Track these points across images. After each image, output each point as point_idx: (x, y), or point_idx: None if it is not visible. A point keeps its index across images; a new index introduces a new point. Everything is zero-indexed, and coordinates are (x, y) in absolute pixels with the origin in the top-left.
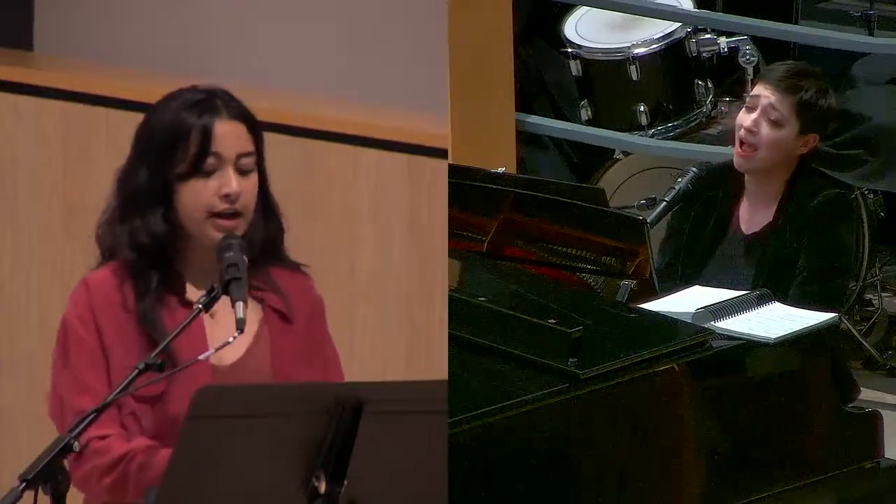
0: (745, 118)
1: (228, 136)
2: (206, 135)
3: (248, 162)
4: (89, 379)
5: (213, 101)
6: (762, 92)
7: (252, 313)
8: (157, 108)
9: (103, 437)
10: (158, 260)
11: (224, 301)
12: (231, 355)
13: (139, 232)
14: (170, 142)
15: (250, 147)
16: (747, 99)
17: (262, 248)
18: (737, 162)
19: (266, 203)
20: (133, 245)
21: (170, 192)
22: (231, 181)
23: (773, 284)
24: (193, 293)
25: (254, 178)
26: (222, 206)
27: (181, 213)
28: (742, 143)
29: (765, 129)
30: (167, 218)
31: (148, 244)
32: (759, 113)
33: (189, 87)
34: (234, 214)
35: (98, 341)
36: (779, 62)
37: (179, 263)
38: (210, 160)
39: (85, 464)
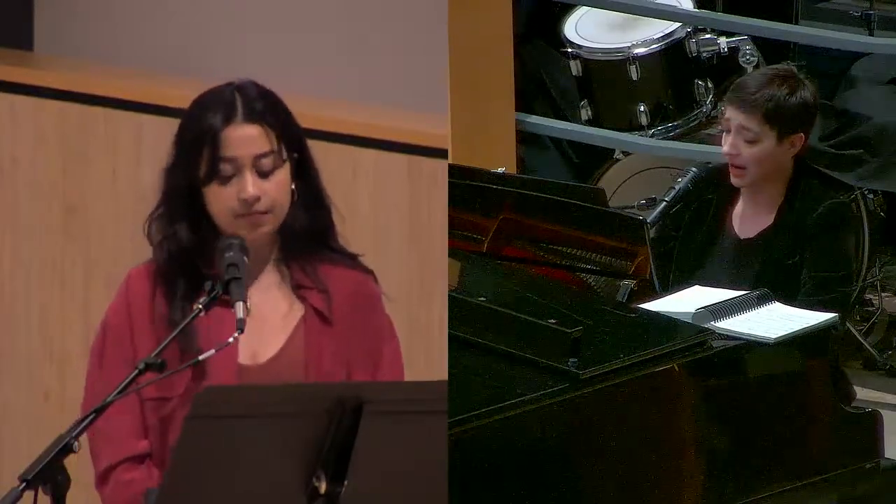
0: (724, 141)
1: (242, 139)
2: (216, 141)
3: (268, 162)
4: (116, 375)
5: (232, 104)
6: (731, 114)
7: (293, 312)
8: (187, 109)
9: (122, 462)
10: (185, 267)
11: (262, 297)
12: (264, 353)
13: (169, 239)
14: (192, 145)
15: (268, 147)
16: (722, 122)
17: (306, 240)
18: (733, 181)
19: (311, 195)
20: (164, 251)
21: (198, 195)
22: (247, 186)
23: (770, 289)
24: None
25: (279, 177)
26: (244, 210)
27: (212, 215)
28: (733, 166)
29: (744, 149)
30: (198, 222)
31: (175, 252)
32: (734, 135)
33: (225, 83)
34: (261, 212)
35: (129, 334)
36: (746, 75)
37: (213, 264)
38: (224, 166)
39: (105, 490)
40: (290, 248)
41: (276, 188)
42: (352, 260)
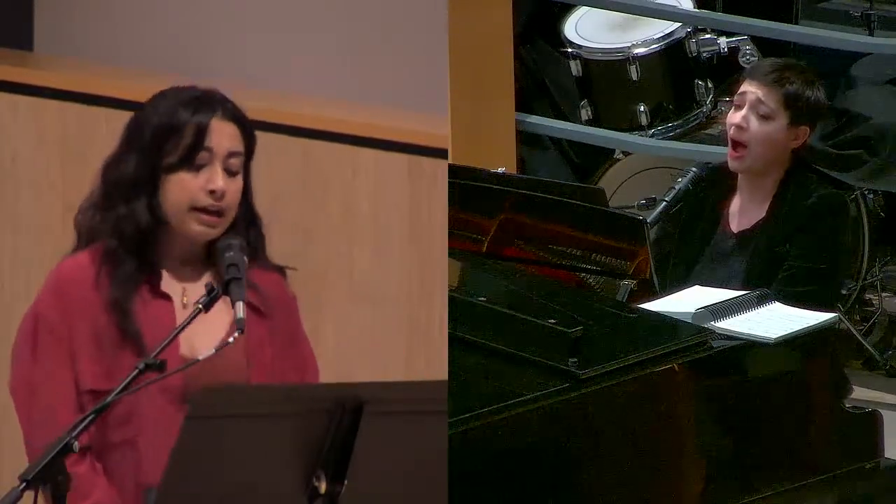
0: (734, 116)
1: (222, 134)
2: (202, 130)
3: (236, 162)
4: (56, 371)
5: (210, 100)
6: (749, 88)
7: (227, 308)
8: (151, 102)
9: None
10: (138, 248)
11: (200, 292)
12: (204, 345)
13: (123, 220)
14: (162, 135)
15: (240, 148)
16: (735, 98)
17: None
18: (731, 164)
19: (249, 212)
20: (116, 232)
21: (156, 184)
22: (218, 178)
23: (764, 282)
24: (169, 284)
25: (240, 181)
26: (206, 202)
27: (165, 204)
28: (735, 145)
29: (754, 124)
30: (151, 209)
31: (130, 232)
32: (748, 108)
33: (187, 85)
34: (217, 212)
35: (65, 321)
36: (764, 59)
37: (158, 254)
38: (202, 154)
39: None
40: None
41: (235, 192)
42: (274, 267)
